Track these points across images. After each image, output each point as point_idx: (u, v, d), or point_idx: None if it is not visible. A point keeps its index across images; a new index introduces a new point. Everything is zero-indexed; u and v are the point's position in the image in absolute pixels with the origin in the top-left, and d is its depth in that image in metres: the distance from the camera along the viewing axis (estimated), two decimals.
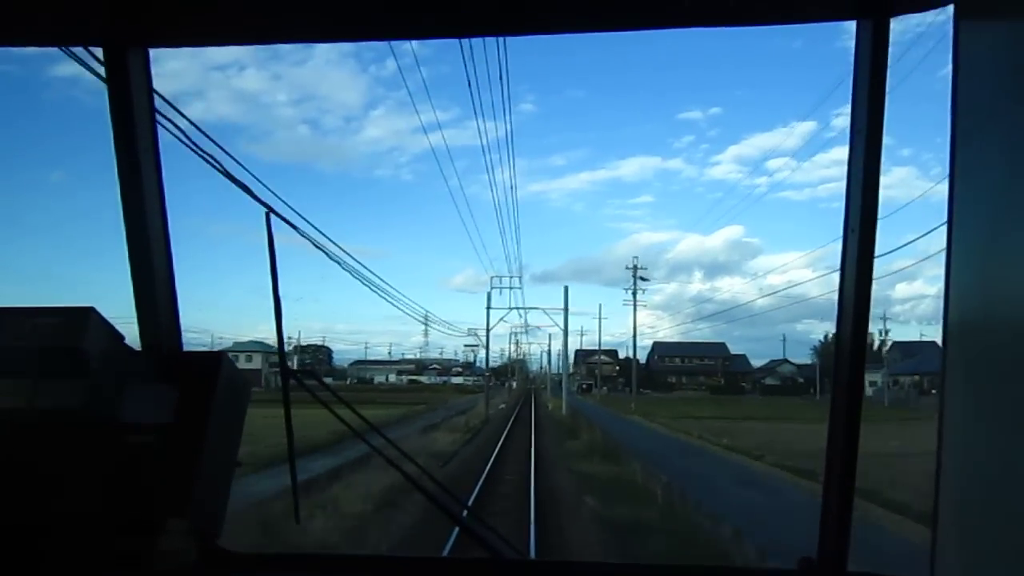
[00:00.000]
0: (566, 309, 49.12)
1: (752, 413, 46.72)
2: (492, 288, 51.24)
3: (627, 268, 57.90)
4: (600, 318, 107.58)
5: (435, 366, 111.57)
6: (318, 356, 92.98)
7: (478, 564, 1.71)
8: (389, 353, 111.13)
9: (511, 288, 50.96)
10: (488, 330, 51.62)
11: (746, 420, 40.40)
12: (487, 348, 53.66)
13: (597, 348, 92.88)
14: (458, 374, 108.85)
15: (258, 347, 57.16)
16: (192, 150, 3.71)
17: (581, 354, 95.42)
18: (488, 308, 50.99)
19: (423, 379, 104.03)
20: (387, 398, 53.47)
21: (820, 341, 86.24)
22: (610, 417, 46.17)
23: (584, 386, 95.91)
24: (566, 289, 52.04)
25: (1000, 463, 1.26)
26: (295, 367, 1.87)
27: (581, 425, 36.41)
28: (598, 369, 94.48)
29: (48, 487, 1.50)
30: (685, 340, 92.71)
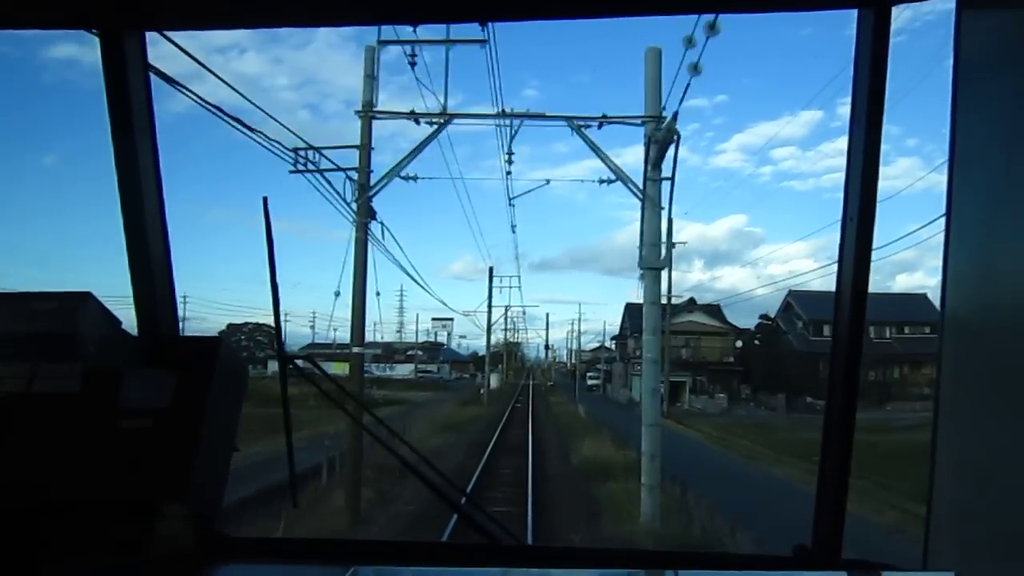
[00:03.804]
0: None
1: None
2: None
3: None
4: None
5: (411, 352, 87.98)
6: (255, 338, 74.12)
7: (476, 549, 1.72)
8: (312, 328, 77.15)
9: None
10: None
11: None
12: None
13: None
14: (408, 360, 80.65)
15: None
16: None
17: (635, 311, 32.63)
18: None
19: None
20: None
21: None
22: None
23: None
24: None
25: (994, 453, 1.27)
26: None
27: None
28: (688, 347, 43.94)
29: (44, 472, 1.51)
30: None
